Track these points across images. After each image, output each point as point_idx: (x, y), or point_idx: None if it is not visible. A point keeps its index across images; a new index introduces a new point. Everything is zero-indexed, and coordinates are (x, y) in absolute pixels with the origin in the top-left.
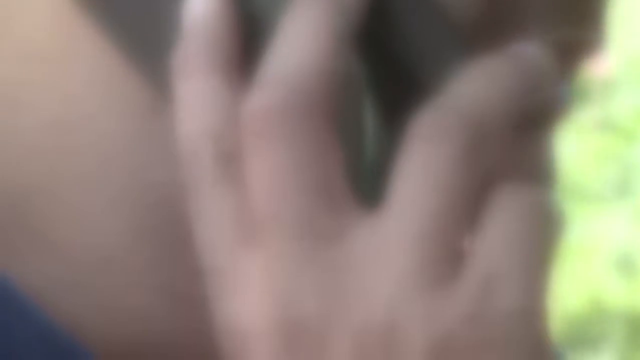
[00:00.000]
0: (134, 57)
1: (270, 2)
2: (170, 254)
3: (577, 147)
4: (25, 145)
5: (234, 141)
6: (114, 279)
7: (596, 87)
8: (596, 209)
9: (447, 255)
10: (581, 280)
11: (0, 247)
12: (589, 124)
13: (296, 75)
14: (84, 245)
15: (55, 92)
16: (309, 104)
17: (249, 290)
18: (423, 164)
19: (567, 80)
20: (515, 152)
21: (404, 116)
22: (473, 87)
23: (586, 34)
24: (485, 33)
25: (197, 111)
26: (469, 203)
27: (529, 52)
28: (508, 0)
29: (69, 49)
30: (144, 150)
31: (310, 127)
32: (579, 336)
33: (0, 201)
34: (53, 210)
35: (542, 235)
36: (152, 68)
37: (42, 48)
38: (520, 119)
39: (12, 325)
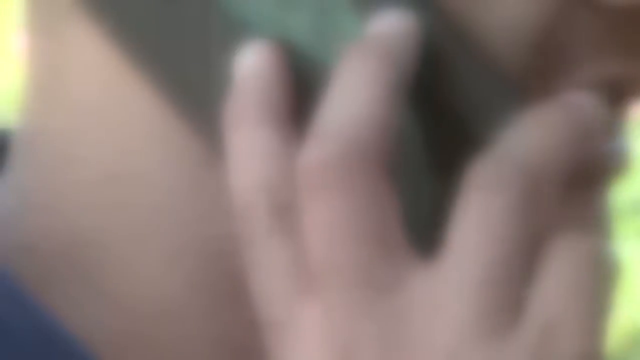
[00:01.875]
0: (185, 110)
1: (323, 53)
2: (227, 307)
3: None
4: (80, 199)
5: (289, 193)
6: (171, 332)
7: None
8: (635, 247)
9: (506, 304)
10: (618, 316)
11: (57, 297)
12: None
13: (352, 127)
14: (140, 298)
15: (110, 146)
16: (365, 155)
17: (308, 341)
18: (481, 213)
19: (622, 129)
20: (571, 201)
21: (458, 166)
22: (529, 137)
23: (635, 74)
24: (536, 77)
25: (249, 163)
26: (527, 252)
27: (582, 100)
28: (556, 42)
29: (123, 103)
30: (199, 203)
31: (367, 178)
32: None
33: (56, 253)
34: (109, 263)
35: (599, 284)
36: (204, 120)
37: (95, 102)
38: (576, 168)
39: (12, 319)
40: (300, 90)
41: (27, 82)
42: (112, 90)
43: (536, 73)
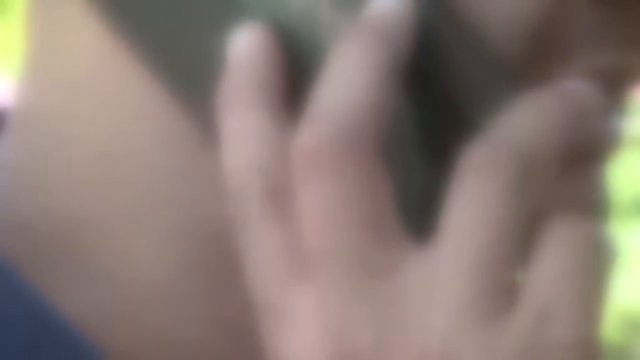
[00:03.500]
0: (179, 91)
1: (317, 36)
2: (222, 288)
3: (618, 166)
4: (73, 179)
5: (282, 175)
6: (166, 313)
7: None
8: (635, 226)
9: (501, 287)
10: (616, 301)
11: (50, 278)
12: (633, 142)
13: (346, 110)
14: (133, 279)
15: (103, 126)
16: (359, 138)
17: (302, 324)
18: (475, 196)
19: (617, 111)
20: (566, 185)
21: (452, 150)
22: (523, 121)
23: (633, 60)
24: (531, 66)
25: (243, 146)
26: (521, 235)
27: (578, 87)
28: (553, 33)
29: (116, 83)
30: (193, 184)
31: (360, 161)
32: None
33: (49, 234)
34: (102, 243)
35: (595, 266)
36: (198, 102)
37: (89, 82)
38: (570, 152)
39: (3, 302)
40: (295, 73)
41: (23, 61)
42: (106, 71)
43: (533, 62)
